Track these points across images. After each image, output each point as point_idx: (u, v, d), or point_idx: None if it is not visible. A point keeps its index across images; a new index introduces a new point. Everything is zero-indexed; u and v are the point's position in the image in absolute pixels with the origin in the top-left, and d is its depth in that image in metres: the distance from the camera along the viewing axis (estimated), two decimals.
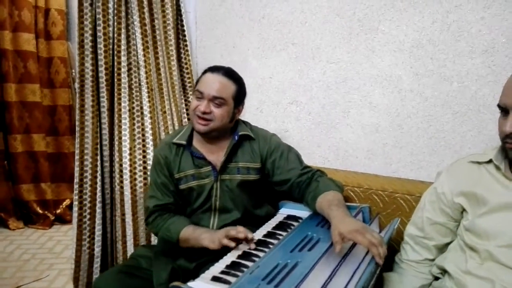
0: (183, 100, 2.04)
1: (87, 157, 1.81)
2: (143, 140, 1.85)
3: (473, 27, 1.39)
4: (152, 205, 1.43)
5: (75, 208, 1.83)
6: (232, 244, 1.16)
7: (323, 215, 1.25)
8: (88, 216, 1.85)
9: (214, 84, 1.34)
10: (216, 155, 1.42)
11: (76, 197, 1.82)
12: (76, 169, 1.80)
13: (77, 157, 1.80)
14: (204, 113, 1.33)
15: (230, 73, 1.39)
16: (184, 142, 1.42)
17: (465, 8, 1.39)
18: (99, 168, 1.84)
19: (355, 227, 1.04)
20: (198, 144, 1.44)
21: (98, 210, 1.86)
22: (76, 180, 1.81)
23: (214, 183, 1.42)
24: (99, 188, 1.85)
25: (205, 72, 1.40)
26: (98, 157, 1.84)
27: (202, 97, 1.34)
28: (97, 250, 1.89)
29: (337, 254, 1.05)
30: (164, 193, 1.43)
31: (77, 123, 1.78)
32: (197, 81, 1.41)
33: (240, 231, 1.17)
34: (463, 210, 1.12)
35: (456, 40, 1.42)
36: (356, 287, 0.92)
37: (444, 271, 1.14)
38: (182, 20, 2.01)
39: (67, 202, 3.15)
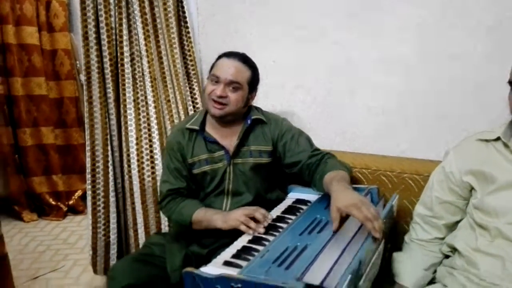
0: (187, 88, 2.04)
1: (98, 147, 1.83)
2: (149, 130, 1.86)
3: (479, 3, 1.36)
4: (165, 190, 1.47)
5: (89, 198, 1.86)
6: (243, 227, 1.20)
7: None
8: (102, 205, 1.88)
9: (230, 69, 1.37)
10: (229, 139, 1.45)
11: (89, 187, 1.85)
12: (88, 159, 1.83)
13: (88, 148, 1.82)
14: (220, 97, 1.36)
15: (245, 59, 1.43)
16: (197, 127, 1.45)
17: None
18: (110, 158, 1.87)
19: (352, 201, 1.04)
20: (210, 129, 1.47)
21: (112, 199, 1.89)
22: (88, 170, 1.84)
23: (227, 167, 1.44)
24: (111, 178, 1.88)
25: (220, 57, 1.43)
26: (109, 148, 1.86)
27: (218, 81, 1.37)
28: (113, 237, 1.93)
29: (346, 235, 1.06)
30: (177, 177, 1.46)
31: (86, 115, 1.80)
32: (212, 66, 1.43)
33: (261, 213, 1.22)
34: (472, 188, 1.12)
35: (462, 17, 1.40)
36: (353, 261, 0.92)
37: (454, 249, 1.14)
38: (183, 7, 1.99)
39: (79, 193, 3.19)
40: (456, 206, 1.17)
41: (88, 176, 1.84)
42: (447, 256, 1.19)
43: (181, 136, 1.47)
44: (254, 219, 1.22)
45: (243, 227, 1.20)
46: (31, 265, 2.34)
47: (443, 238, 1.20)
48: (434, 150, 1.53)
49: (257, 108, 1.55)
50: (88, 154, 1.83)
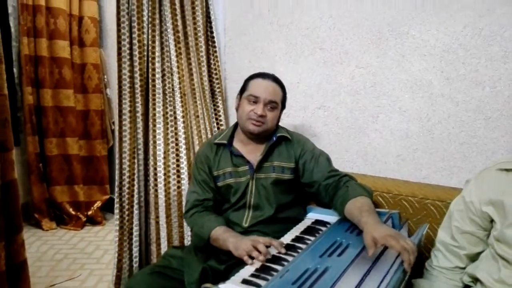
0: (212, 105, 2.08)
1: (125, 160, 1.87)
2: (176, 144, 1.90)
3: (506, 30, 1.36)
4: (192, 199, 1.52)
5: (117, 211, 1.88)
6: (250, 261, 1.14)
7: (352, 221, 1.25)
8: (126, 218, 1.90)
9: (268, 89, 1.45)
10: (254, 154, 1.50)
11: (117, 199, 1.88)
12: (117, 172, 1.87)
13: (117, 160, 1.87)
14: (261, 116, 1.43)
15: (277, 79, 1.52)
16: (225, 142, 1.52)
17: (498, 12, 1.37)
18: (136, 171, 1.90)
19: (388, 233, 1.05)
20: (238, 144, 1.54)
21: (136, 212, 1.91)
22: (116, 183, 1.87)
23: (250, 181, 1.48)
24: (136, 191, 1.91)
25: (253, 77, 1.50)
26: (135, 161, 1.90)
27: (257, 101, 1.45)
28: (135, 250, 1.94)
29: (367, 260, 1.05)
30: (204, 189, 1.53)
31: (116, 127, 1.86)
32: (244, 86, 1.50)
33: (271, 246, 1.19)
34: (492, 220, 1.10)
35: (488, 45, 1.40)
36: None
37: (476, 280, 1.12)
38: (211, 27, 2.04)
39: (98, 204, 3.23)
40: (476, 236, 1.14)
41: (117, 188, 1.87)
42: (468, 286, 1.16)
43: (209, 150, 1.55)
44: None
45: (245, 258, 1.15)
46: (49, 272, 2.37)
47: (464, 268, 1.17)
48: (458, 177, 1.51)
49: (282, 127, 1.60)
50: (117, 166, 1.87)
